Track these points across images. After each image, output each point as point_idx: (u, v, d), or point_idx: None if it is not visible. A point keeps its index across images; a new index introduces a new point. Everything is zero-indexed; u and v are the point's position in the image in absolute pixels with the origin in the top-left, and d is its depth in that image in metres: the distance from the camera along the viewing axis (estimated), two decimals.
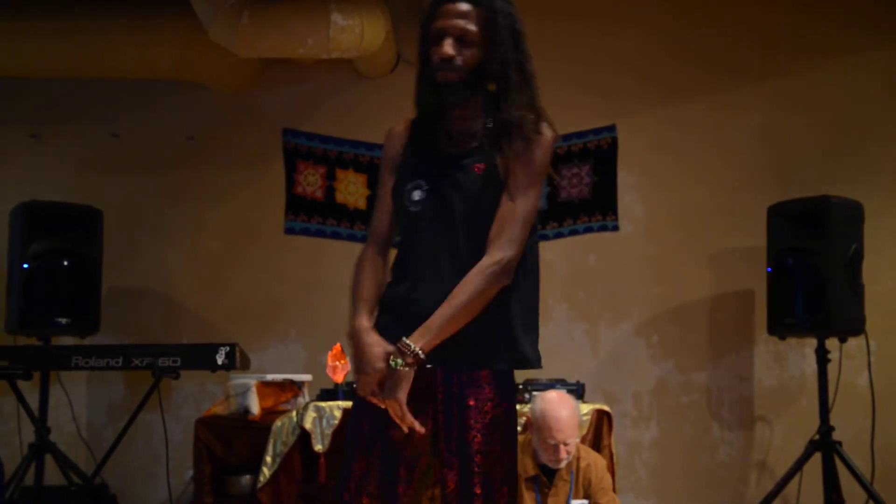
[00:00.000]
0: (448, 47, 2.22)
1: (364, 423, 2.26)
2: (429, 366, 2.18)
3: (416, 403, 2.18)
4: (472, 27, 2.24)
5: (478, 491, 2.21)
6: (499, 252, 2.18)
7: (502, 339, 2.26)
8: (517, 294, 2.26)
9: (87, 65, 5.03)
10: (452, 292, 2.17)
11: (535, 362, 2.31)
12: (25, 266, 4.62)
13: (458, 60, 2.23)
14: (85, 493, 4.56)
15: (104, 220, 4.88)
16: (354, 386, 2.23)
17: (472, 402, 2.23)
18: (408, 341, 2.14)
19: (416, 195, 2.28)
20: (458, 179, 2.24)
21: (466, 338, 2.20)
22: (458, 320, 2.16)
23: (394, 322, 2.23)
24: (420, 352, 2.14)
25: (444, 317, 2.16)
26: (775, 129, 5.21)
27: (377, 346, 2.18)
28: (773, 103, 5.22)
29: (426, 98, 2.29)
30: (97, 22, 4.91)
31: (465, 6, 2.25)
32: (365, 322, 2.23)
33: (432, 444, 2.26)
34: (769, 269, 4.62)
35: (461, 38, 2.23)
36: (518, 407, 3.90)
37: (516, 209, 2.21)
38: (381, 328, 2.24)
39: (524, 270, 2.28)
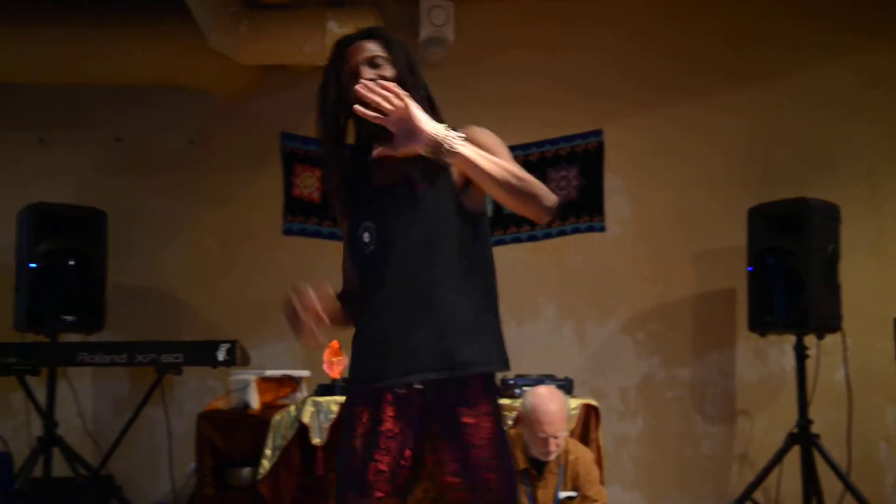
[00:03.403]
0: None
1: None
2: (418, 386, 2.10)
3: (409, 434, 2.11)
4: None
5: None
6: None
7: (492, 341, 2.18)
8: (494, 294, 2.22)
9: (91, 71, 5.01)
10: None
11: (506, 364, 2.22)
12: (33, 265, 4.58)
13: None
14: (91, 484, 4.63)
15: (108, 221, 4.85)
16: None
17: (468, 420, 2.11)
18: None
19: (366, 237, 2.21)
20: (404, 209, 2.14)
21: (458, 341, 2.11)
22: (493, 170, 2.03)
23: (380, 359, 2.13)
24: (459, 139, 2.01)
25: (487, 157, 2.05)
26: (757, 135, 5.24)
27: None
28: (756, 112, 5.23)
29: (374, 132, 2.11)
30: (101, 29, 4.90)
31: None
32: None
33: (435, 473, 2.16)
34: (750, 269, 4.64)
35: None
36: (509, 402, 3.90)
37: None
38: (365, 367, 2.17)
39: (491, 270, 2.22)
